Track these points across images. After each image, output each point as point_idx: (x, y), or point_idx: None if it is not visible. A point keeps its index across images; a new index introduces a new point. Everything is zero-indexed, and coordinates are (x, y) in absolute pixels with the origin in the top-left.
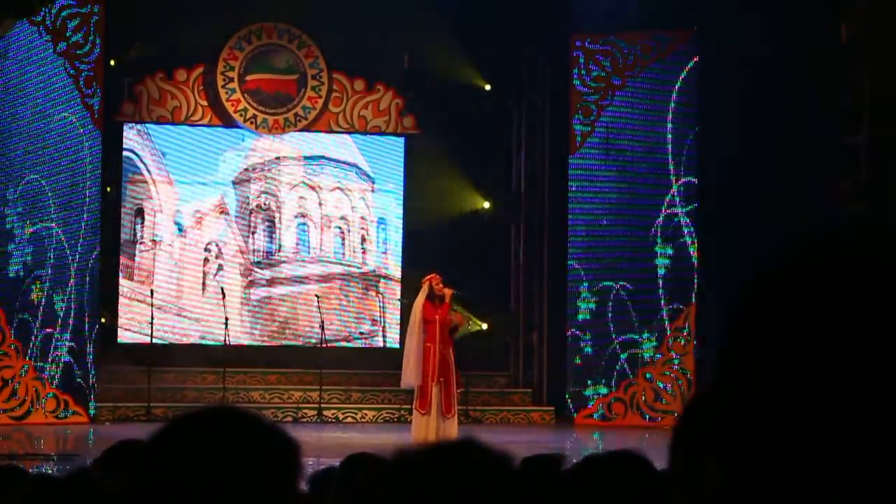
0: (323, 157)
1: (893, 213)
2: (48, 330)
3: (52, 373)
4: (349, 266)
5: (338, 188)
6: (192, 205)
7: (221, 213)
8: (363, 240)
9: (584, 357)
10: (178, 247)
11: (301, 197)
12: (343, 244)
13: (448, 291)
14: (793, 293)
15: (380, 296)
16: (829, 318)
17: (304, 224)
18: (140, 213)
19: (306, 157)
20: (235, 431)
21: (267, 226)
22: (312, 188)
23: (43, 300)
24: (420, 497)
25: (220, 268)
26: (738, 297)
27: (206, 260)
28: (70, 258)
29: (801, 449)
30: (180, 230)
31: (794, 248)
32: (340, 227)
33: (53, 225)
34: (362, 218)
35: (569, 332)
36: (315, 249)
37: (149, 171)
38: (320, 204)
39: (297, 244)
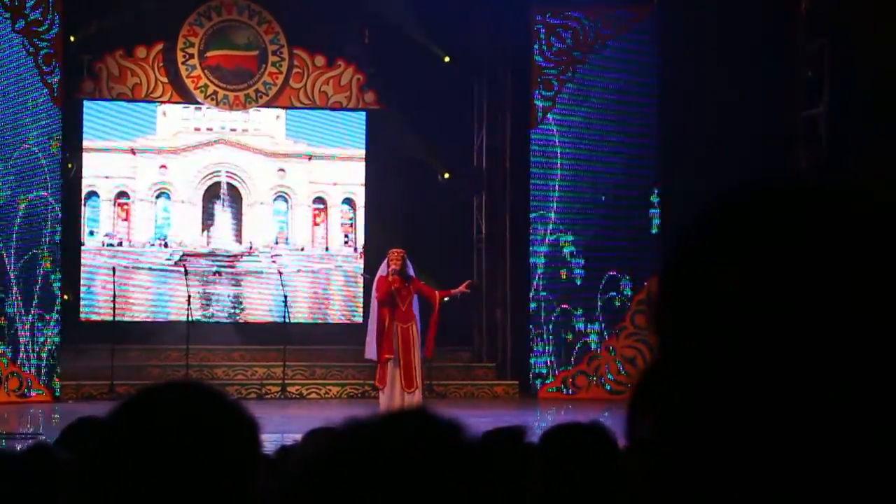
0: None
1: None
2: (10, 309)
3: (14, 352)
4: (318, 250)
5: (314, 156)
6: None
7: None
8: (328, 215)
9: (546, 331)
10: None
11: (281, 169)
12: (316, 225)
13: (398, 266)
14: (714, 251)
15: (342, 270)
16: (750, 277)
17: (281, 203)
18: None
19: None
20: (194, 406)
21: (232, 210)
22: (287, 155)
23: (3, 279)
24: (370, 465)
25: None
26: (666, 257)
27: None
28: (31, 237)
29: (724, 403)
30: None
31: (715, 212)
32: (319, 206)
33: (13, 203)
34: (316, 194)
35: (531, 307)
36: (291, 236)
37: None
38: (308, 182)
39: (270, 231)
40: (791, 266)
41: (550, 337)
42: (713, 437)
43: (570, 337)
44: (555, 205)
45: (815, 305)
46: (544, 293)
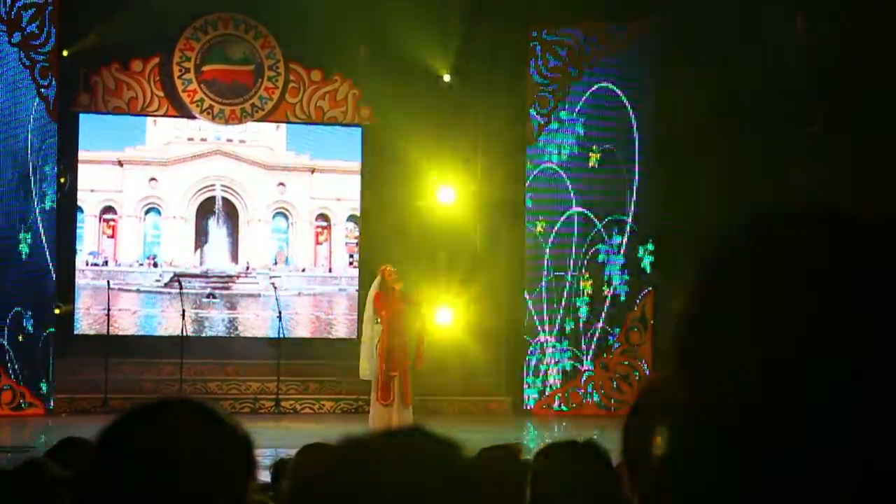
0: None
1: (848, 206)
2: (4, 322)
3: (8, 365)
4: (320, 271)
5: (317, 170)
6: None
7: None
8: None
9: (540, 347)
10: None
11: (281, 183)
12: (318, 243)
13: (398, 285)
14: (736, 276)
15: (345, 294)
16: (772, 299)
17: (281, 220)
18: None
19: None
20: (187, 424)
21: (227, 227)
22: (287, 168)
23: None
24: (368, 484)
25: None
26: (691, 282)
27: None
28: (26, 249)
29: (745, 418)
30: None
31: (740, 233)
32: (321, 223)
33: (6, 215)
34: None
35: (526, 323)
36: (292, 256)
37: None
38: (310, 197)
39: (269, 250)
40: (811, 287)
41: (544, 354)
42: (745, 449)
43: (563, 354)
44: (550, 223)
45: (835, 319)
46: (538, 311)
